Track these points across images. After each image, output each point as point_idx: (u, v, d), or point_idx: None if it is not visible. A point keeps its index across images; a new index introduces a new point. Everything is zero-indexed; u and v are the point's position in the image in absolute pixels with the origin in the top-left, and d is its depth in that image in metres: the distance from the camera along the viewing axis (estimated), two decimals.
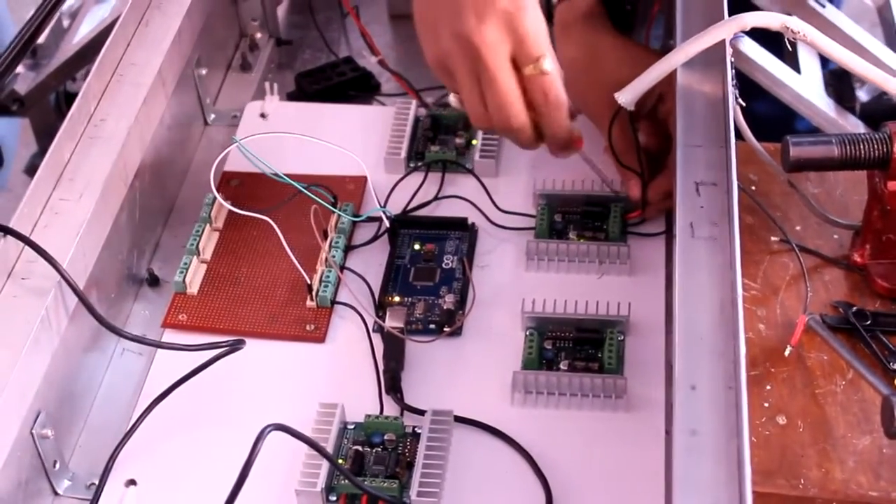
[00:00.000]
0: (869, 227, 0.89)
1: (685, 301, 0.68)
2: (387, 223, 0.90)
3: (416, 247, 0.90)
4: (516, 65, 0.79)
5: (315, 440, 0.73)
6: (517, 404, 0.79)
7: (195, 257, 0.88)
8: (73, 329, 0.78)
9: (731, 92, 0.81)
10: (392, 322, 0.81)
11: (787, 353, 0.84)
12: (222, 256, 0.90)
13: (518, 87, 0.80)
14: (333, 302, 0.86)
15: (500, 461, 0.76)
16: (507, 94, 0.79)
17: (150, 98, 0.89)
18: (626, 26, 0.98)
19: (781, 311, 0.87)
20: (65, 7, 1.16)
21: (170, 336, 0.85)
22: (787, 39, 0.79)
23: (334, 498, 0.74)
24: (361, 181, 0.95)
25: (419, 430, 0.76)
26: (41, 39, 1.15)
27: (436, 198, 0.94)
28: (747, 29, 0.79)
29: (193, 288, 0.87)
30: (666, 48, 0.97)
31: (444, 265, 0.89)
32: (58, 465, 0.76)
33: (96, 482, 0.75)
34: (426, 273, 0.88)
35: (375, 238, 0.91)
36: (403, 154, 0.96)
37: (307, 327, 0.85)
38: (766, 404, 0.81)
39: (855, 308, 0.86)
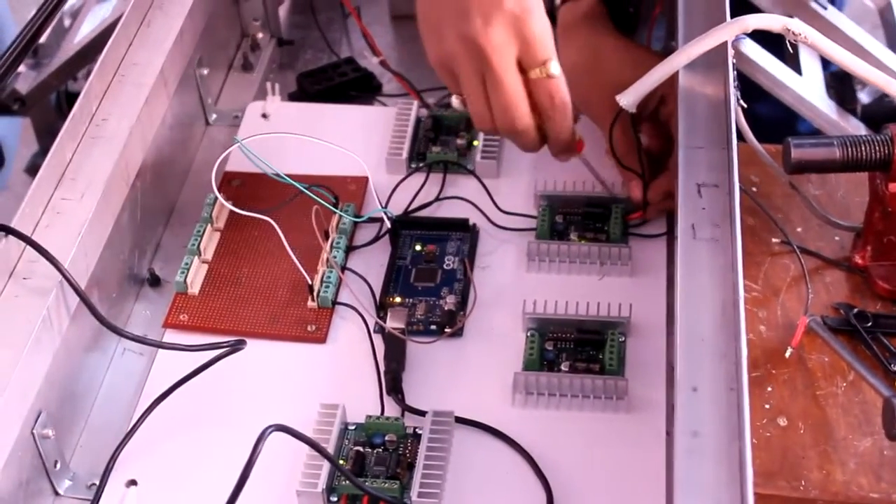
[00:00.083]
0: (870, 229, 0.89)
1: (687, 302, 0.68)
2: (388, 224, 0.90)
3: (418, 247, 0.90)
4: (522, 67, 0.79)
5: (316, 441, 0.73)
6: (518, 405, 0.79)
7: (196, 257, 0.88)
8: (74, 329, 0.78)
9: (733, 94, 0.81)
10: (393, 323, 0.81)
11: (787, 354, 0.84)
12: (223, 257, 0.90)
13: (524, 90, 0.80)
14: (334, 302, 0.86)
15: (500, 462, 0.76)
16: (513, 96, 0.79)
17: (152, 98, 0.89)
18: (629, 28, 0.98)
19: (782, 312, 0.87)
20: (66, 7, 1.16)
21: (171, 336, 0.85)
22: (789, 41, 0.79)
23: (335, 499, 0.74)
24: (363, 182, 0.95)
25: (420, 431, 0.76)
26: (42, 39, 1.15)
27: (437, 199, 0.94)
28: (749, 31, 0.79)
29: (194, 288, 0.87)
30: (668, 50, 0.97)
31: (445, 266, 0.89)
32: (59, 465, 0.76)
33: (97, 482, 0.75)
34: (427, 274, 0.88)
35: (376, 239, 0.91)
36: (405, 155, 0.96)
37: (308, 328, 0.85)
38: (767, 406, 0.81)
39: (856, 310, 0.86)
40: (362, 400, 0.80)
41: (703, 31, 0.79)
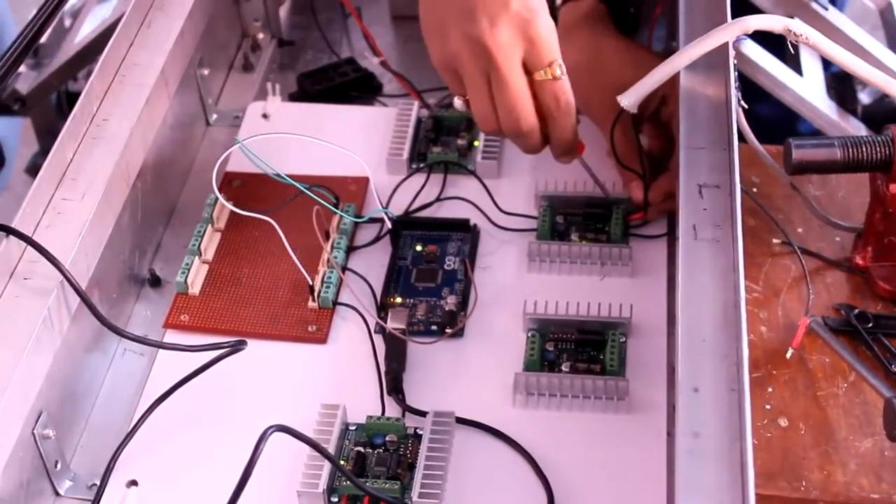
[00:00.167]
0: (871, 230, 0.89)
1: (688, 303, 0.68)
2: (389, 224, 0.90)
3: (418, 248, 0.90)
4: (527, 69, 0.79)
5: (317, 441, 0.73)
6: (519, 406, 0.79)
7: (197, 258, 0.88)
8: (74, 329, 0.78)
9: (734, 94, 0.81)
10: (394, 323, 0.81)
11: (788, 355, 0.84)
12: (224, 257, 0.90)
13: (529, 91, 0.80)
14: (335, 303, 0.86)
15: (501, 463, 0.76)
16: (519, 97, 0.79)
17: (153, 98, 0.89)
18: (630, 29, 0.98)
19: (783, 313, 0.87)
20: (66, 7, 1.16)
21: (171, 336, 0.85)
22: (790, 42, 0.79)
23: (336, 499, 0.74)
24: (363, 182, 0.95)
25: (421, 432, 0.76)
26: (43, 39, 1.15)
27: (438, 199, 0.94)
28: (750, 32, 0.79)
29: (195, 288, 0.87)
30: (669, 50, 0.97)
31: (445, 266, 0.89)
32: (59, 466, 0.76)
33: (98, 483, 0.75)
34: (428, 274, 0.88)
35: (377, 239, 0.91)
36: (405, 155, 0.96)
37: (309, 328, 0.85)
38: (768, 406, 0.81)
39: (857, 310, 0.86)
40: (363, 400, 0.80)
41: (705, 32, 0.79)
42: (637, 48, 0.94)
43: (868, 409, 0.81)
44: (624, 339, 0.82)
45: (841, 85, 1.14)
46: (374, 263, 0.89)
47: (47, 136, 1.30)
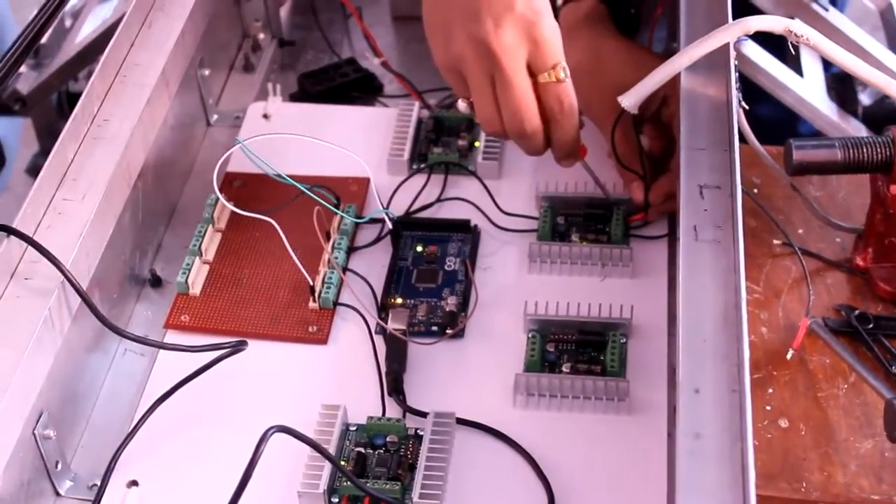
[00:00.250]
0: (871, 231, 0.89)
1: (689, 304, 0.68)
2: (389, 225, 0.90)
3: (419, 248, 0.90)
4: (531, 71, 0.79)
5: (317, 442, 0.73)
6: (519, 406, 0.79)
7: (198, 258, 0.88)
8: (75, 329, 0.78)
9: (735, 95, 0.81)
10: (394, 324, 0.81)
11: (789, 356, 0.84)
12: (225, 257, 0.90)
13: (533, 94, 0.79)
14: (336, 303, 0.86)
15: (502, 463, 0.76)
16: (523, 99, 0.79)
17: (154, 99, 0.89)
18: (630, 29, 0.98)
19: (784, 314, 0.87)
20: (67, 7, 1.16)
21: (172, 337, 0.85)
22: (791, 43, 0.79)
23: (336, 500, 0.74)
24: (364, 183, 0.95)
25: (421, 432, 0.76)
26: (44, 39, 1.15)
27: (438, 200, 0.94)
28: (751, 32, 0.79)
29: (196, 289, 0.87)
30: (669, 51, 0.97)
31: (446, 267, 0.89)
32: (60, 466, 0.76)
33: (98, 483, 0.75)
34: (428, 275, 0.88)
35: (378, 240, 0.91)
36: (406, 156, 0.96)
37: (309, 329, 0.85)
38: (769, 407, 0.81)
39: (857, 311, 0.86)
40: (363, 401, 0.80)
41: (705, 33, 0.80)
42: (638, 49, 0.94)
43: (868, 410, 0.81)
44: (624, 340, 0.82)
45: (841, 86, 1.14)
46: (374, 264, 0.89)
47: (48, 136, 1.30)
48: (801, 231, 0.93)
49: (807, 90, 1.06)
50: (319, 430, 0.76)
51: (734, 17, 0.82)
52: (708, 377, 0.64)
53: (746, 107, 0.84)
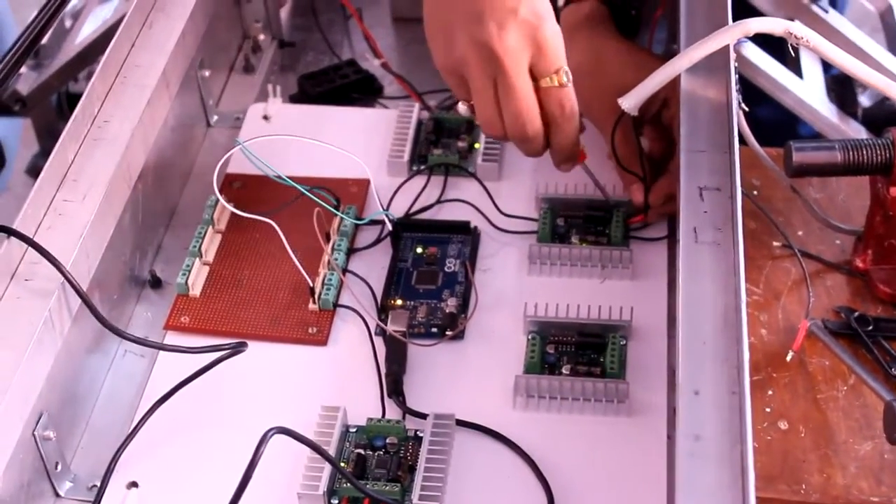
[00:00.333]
0: (871, 233, 0.89)
1: (689, 306, 0.68)
2: (389, 226, 0.90)
3: (419, 250, 0.90)
4: (533, 75, 0.79)
5: (317, 443, 0.73)
6: (519, 408, 0.79)
7: (198, 259, 0.88)
8: (75, 330, 0.78)
9: (735, 97, 0.81)
10: (394, 325, 0.81)
11: (788, 358, 0.84)
12: (225, 258, 0.90)
13: (535, 97, 0.79)
14: (336, 305, 0.86)
15: (501, 465, 0.76)
16: (525, 103, 0.79)
17: (154, 100, 0.89)
18: (631, 31, 0.98)
19: (783, 316, 0.87)
20: (67, 8, 1.16)
21: (172, 338, 0.85)
22: (790, 45, 0.79)
23: (336, 501, 0.74)
24: (364, 184, 0.95)
25: (421, 434, 0.76)
26: (44, 40, 1.15)
27: (438, 201, 0.94)
28: (751, 34, 0.79)
29: (196, 290, 0.87)
30: (669, 53, 0.97)
31: (446, 269, 0.89)
32: (59, 467, 0.76)
33: (98, 484, 0.75)
34: (428, 276, 0.88)
35: (378, 241, 0.91)
36: (406, 157, 0.96)
37: (309, 330, 0.85)
38: (768, 409, 0.81)
39: (857, 313, 0.86)
40: (363, 402, 0.80)
41: (705, 35, 0.80)
42: (638, 51, 0.94)
43: (868, 412, 0.81)
44: (624, 342, 0.82)
45: (841, 88, 1.15)
46: (374, 265, 0.89)
47: (48, 136, 1.30)
48: (800, 233, 0.93)
49: (806, 92, 1.07)
50: (319, 431, 0.76)
51: (734, 19, 0.82)
52: (708, 379, 0.64)
53: (746, 109, 0.84)
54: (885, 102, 1.20)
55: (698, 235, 0.72)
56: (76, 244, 0.77)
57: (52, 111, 1.30)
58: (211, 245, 0.90)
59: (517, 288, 0.87)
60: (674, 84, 0.82)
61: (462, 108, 0.83)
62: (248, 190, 0.95)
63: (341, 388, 0.81)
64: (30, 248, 0.75)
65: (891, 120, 0.96)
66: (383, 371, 0.81)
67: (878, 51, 1.11)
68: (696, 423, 0.62)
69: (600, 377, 0.80)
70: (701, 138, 0.78)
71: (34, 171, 1.37)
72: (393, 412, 0.79)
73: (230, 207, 0.87)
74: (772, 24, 0.78)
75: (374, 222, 0.91)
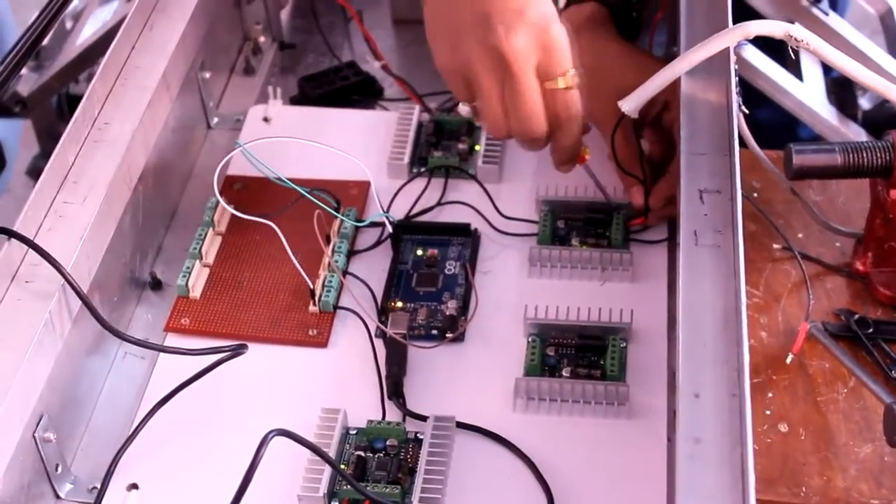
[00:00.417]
0: (871, 236, 0.89)
1: (688, 308, 0.68)
2: (389, 228, 0.90)
3: (419, 252, 0.90)
4: (539, 76, 0.79)
5: (317, 445, 0.73)
6: (519, 410, 0.79)
7: (198, 261, 0.88)
8: (76, 332, 0.78)
9: (735, 100, 0.81)
10: (394, 327, 0.81)
11: (788, 360, 0.84)
12: (225, 260, 0.90)
13: (542, 99, 0.79)
14: (336, 307, 0.86)
15: (502, 467, 0.76)
16: (533, 105, 0.79)
17: (154, 101, 0.89)
18: (631, 33, 0.98)
19: (783, 318, 0.87)
20: (68, 9, 1.16)
21: (172, 340, 0.85)
22: (791, 47, 0.79)
23: (336, 503, 0.74)
24: (364, 186, 0.95)
25: (421, 436, 0.76)
26: (44, 41, 1.15)
27: (439, 203, 0.94)
28: (751, 37, 0.79)
29: (196, 292, 0.87)
30: (669, 55, 0.97)
31: (446, 271, 0.89)
32: (60, 469, 0.76)
33: (98, 486, 0.75)
34: (429, 279, 0.88)
35: (378, 243, 0.91)
36: (406, 159, 0.96)
37: (310, 332, 0.85)
38: (768, 412, 0.81)
39: (857, 316, 0.86)
40: (363, 404, 0.80)
41: (706, 37, 0.80)
42: (639, 53, 0.94)
43: (868, 414, 0.81)
44: (624, 345, 0.82)
45: (841, 90, 1.15)
46: (374, 267, 0.89)
47: (48, 138, 1.29)
48: (800, 235, 0.93)
49: (807, 94, 1.07)
50: (319, 433, 0.76)
51: (734, 22, 0.82)
52: (708, 381, 0.64)
53: (746, 111, 0.84)
54: (885, 105, 1.20)
55: (698, 238, 0.72)
56: (76, 246, 0.77)
57: (52, 113, 1.30)
58: (211, 247, 0.90)
59: (517, 290, 0.87)
60: (674, 87, 0.82)
61: (464, 109, 0.83)
62: (248, 192, 0.95)
63: (341, 391, 0.81)
64: (30, 249, 0.75)
65: (891, 122, 0.96)
66: (383, 373, 0.81)
67: (878, 53, 1.11)
68: (696, 425, 0.62)
69: (600, 380, 0.80)
70: (701, 141, 0.78)
71: (34, 172, 1.37)
72: (393, 414, 0.79)
73: (230, 209, 0.87)
74: (772, 27, 0.78)
75: (374, 224, 0.91)
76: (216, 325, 0.85)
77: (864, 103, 1.21)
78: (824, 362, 0.84)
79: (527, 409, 0.79)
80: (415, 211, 0.93)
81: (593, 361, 0.81)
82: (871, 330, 0.85)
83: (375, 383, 0.81)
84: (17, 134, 1.46)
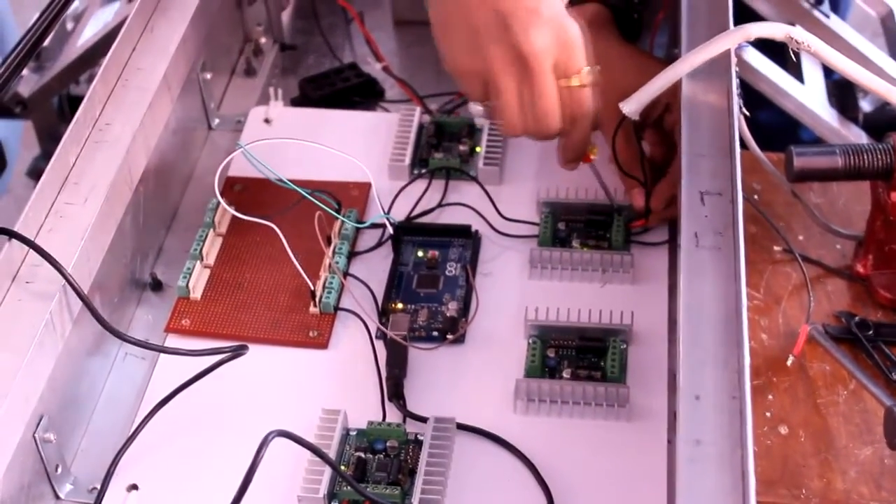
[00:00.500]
0: (872, 238, 0.89)
1: (689, 310, 0.68)
2: (390, 230, 0.90)
3: (420, 254, 0.90)
4: (556, 74, 0.79)
5: (318, 446, 0.73)
6: (520, 412, 0.79)
7: (199, 262, 0.88)
8: (76, 333, 0.78)
9: (736, 101, 0.81)
10: (395, 329, 0.81)
11: (789, 362, 0.84)
12: (226, 262, 0.90)
13: (559, 97, 0.80)
14: (336, 308, 0.86)
15: (502, 469, 0.76)
16: (552, 103, 0.79)
17: (155, 103, 0.89)
18: (633, 34, 0.98)
19: (784, 320, 0.87)
20: (69, 10, 1.16)
21: (173, 341, 0.85)
22: (791, 50, 0.79)
23: None
24: (365, 187, 0.95)
25: (421, 438, 0.76)
26: (45, 42, 1.15)
27: (439, 205, 0.94)
28: (752, 39, 0.79)
29: (197, 293, 0.87)
30: (671, 57, 0.97)
31: (447, 272, 0.89)
32: (60, 470, 0.76)
33: (98, 486, 0.75)
34: (429, 280, 0.88)
35: (379, 245, 0.91)
36: (407, 161, 0.96)
37: (310, 333, 0.85)
38: (768, 414, 0.81)
39: (857, 318, 0.86)
40: (364, 406, 0.80)
41: (707, 39, 0.80)
42: (640, 54, 0.94)
43: (868, 417, 0.81)
44: (625, 346, 0.82)
45: (842, 92, 1.14)
46: (375, 269, 0.89)
47: (48, 139, 1.30)
48: (801, 238, 0.93)
49: (808, 97, 1.07)
50: (320, 434, 0.76)
51: (735, 24, 0.82)
52: (708, 383, 0.64)
53: (747, 113, 0.84)
54: (886, 107, 1.19)
55: (699, 240, 0.72)
56: (77, 247, 0.77)
57: (53, 114, 1.30)
58: (212, 248, 0.90)
59: (518, 292, 0.87)
60: (675, 88, 0.82)
61: (476, 108, 0.83)
62: (249, 193, 0.95)
63: (342, 392, 0.81)
64: (31, 250, 0.75)
65: (892, 125, 0.96)
66: (384, 374, 0.81)
67: (879, 56, 1.11)
68: (696, 427, 0.62)
69: (601, 381, 0.80)
70: (702, 143, 0.78)
71: (35, 173, 1.37)
72: (393, 416, 0.79)
73: (231, 210, 0.87)
74: (773, 29, 0.78)
75: (375, 226, 0.91)
76: (217, 326, 0.85)
77: (865, 106, 1.21)
78: (825, 364, 0.84)
79: (527, 410, 0.79)
80: (415, 212, 0.93)
81: (594, 363, 0.81)
82: (871, 332, 0.85)
83: (376, 384, 0.81)
84: (17, 135, 1.46)
